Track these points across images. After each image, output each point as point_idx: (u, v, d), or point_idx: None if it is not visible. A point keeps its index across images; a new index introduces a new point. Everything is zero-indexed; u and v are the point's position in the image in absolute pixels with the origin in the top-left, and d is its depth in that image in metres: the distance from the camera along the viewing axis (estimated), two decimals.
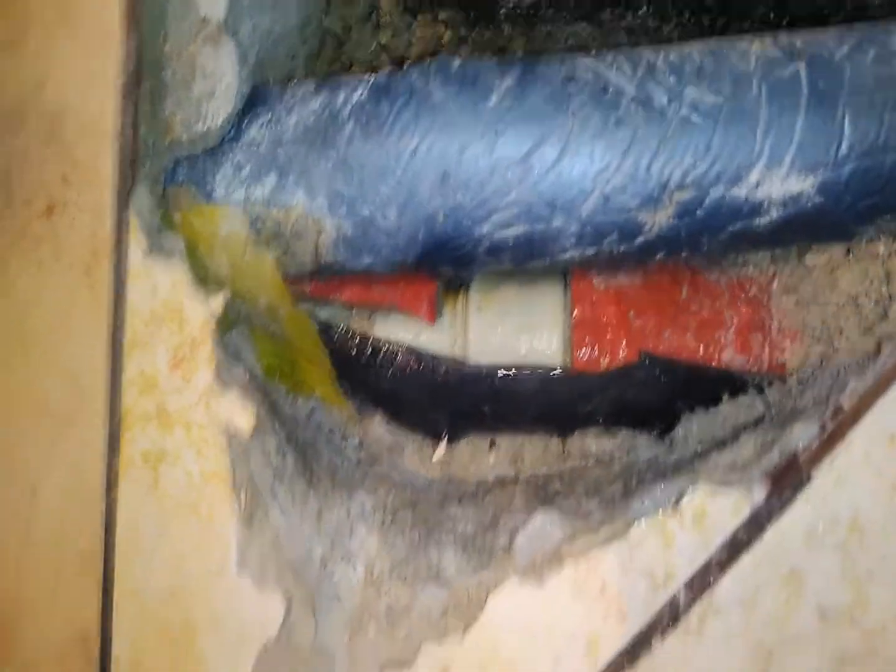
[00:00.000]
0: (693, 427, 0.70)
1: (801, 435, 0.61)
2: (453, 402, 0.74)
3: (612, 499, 0.64)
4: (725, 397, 0.70)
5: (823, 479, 0.58)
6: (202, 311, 0.62)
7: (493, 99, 0.64)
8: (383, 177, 0.64)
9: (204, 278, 0.66)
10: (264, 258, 0.65)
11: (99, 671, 0.63)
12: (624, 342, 0.71)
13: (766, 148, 0.62)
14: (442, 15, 0.85)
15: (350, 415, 0.75)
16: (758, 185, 0.63)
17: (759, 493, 0.59)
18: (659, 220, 0.64)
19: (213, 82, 0.65)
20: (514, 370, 0.73)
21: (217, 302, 0.62)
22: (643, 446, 0.71)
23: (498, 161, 0.64)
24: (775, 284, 0.73)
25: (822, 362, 0.68)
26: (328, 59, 0.82)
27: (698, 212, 0.64)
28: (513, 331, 0.74)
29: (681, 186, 0.63)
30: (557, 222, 0.65)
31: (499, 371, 0.73)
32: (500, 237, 0.66)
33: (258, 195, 0.66)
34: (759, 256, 0.74)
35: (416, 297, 0.74)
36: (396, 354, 0.74)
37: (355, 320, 0.76)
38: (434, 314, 0.74)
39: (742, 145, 0.62)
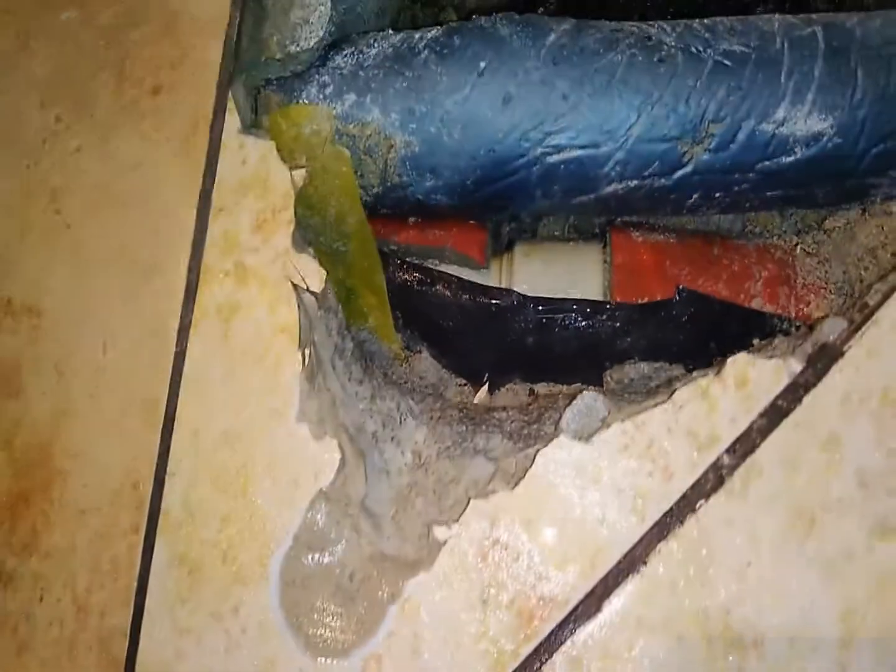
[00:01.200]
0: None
1: (831, 330, 0.65)
2: (499, 334, 0.78)
3: (658, 386, 0.68)
4: (756, 342, 0.75)
5: (855, 352, 0.62)
6: (286, 181, 0.67)
7: (552, 37, 0.73)
8: (451, 95, 0.72)
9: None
10: (342, 155, 0.71)
11: (149, 518, 0.63)
12: (661, 289, 0.76)
13: (789, 88, 0.71)
14: None
15: (398, 351, 0.79)
16: (784, 121, 0.71)
17: (796, 365, 0.63)
18: (697, 152, 0.72)
19: (308, 11, 0.74)
20: (560, 302, 0.76)
21: (299, 175, 0.68)
22: (679, 377, 0.74)
23: (555, 88, 0.72)
24: (798, 250, 0.79)
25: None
26: None
27: (731, 145, 0.72)
28: (555, 277, 0.79)
29: (715, 119, 0.71)
30: (605, 148, 0.72)
31: (544, 302, 0.77)
32: (553, 160, 0.73)
33: (338, 111, 0.73)
34: (782, 228, 0.81)
35: (468, 239, 0.79)
36: (450, 285, 0.78)
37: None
38: (484, 257, 0.79)
39: (768, 85, 0.71)
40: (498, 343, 0.79)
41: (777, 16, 0.75)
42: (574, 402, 0.66)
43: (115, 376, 0.65)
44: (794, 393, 0.62)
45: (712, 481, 0.62)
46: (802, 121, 0.71)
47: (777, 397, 0.63)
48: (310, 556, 0.62)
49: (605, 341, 0.77)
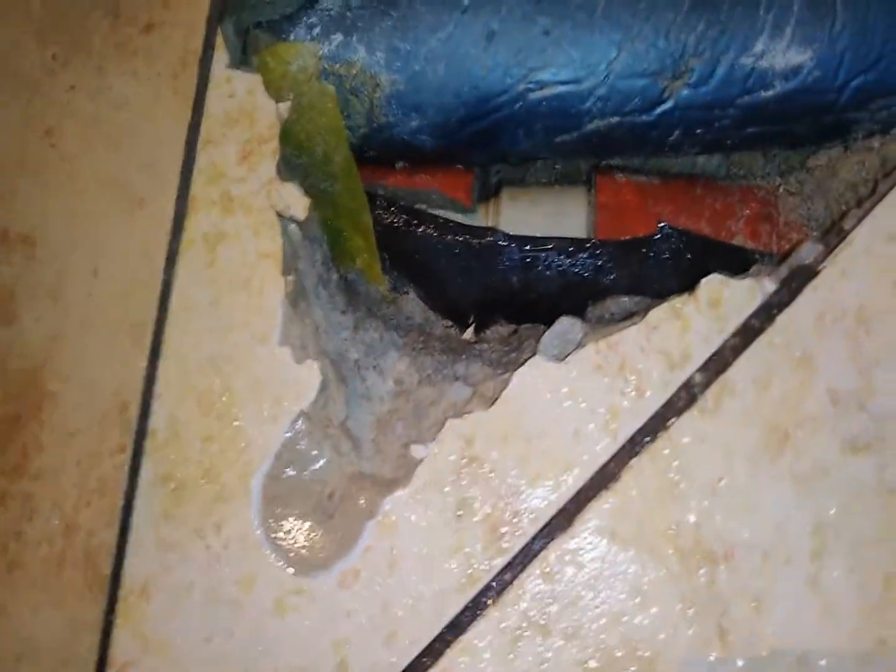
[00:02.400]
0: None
1: (807, 254, 0.64)
2: (484, 274, 0.77)
3: (635, 312, 0.67)
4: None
5: (829, 272, 0.61)
6: (272, 113, 0.67)
7: None
8: (435, 32, 0.72)
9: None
10: (327, 91, 0.71)
11: (135, 439, 0.63)
12: (643, 224, 0.75)
13: (768, 21, 0.70)
14: None
15: (385, 292, 0.78)
16: (763, 54, 0.70)
17: (770, 284, 0.62)
18: (676, 87, 0.71)
19: None
20: (543, 240, 0.76)
21: (285, 107, 0.67)
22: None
23: (537, 24, 0.71)
24: (781, 189, 0.78)
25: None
26: None
27: (711, 80, 0.71)
28: (541, 215, 0.78)
29: (695, 54, 0.70)
30: (586, 84, 0.71)
31: (529, 240, 0.76)
32: (535, 97, 0.72)
33: (325, 51, 0.72)
34: (765, 169, 0.80)
35: (455, 182, 0.79)
36: (436, 226, 0.77)
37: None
38: (471, 199, 0.79)
39: (747, 18, 0.70)
40: (483, 283, 0.78)
41: None
42: (553, 327, 0.65)
43: (106, 301, 0.65)
44: (768, 312, 0.61)
45: (684, 399, 0.61)
46: (781, 54, 0.70)
47: (750, 316, 0.61)
48: (290, 475, 0.61)
49: (587, 279, 0.76)
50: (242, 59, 0.72)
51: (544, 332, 0.65)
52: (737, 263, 0.74)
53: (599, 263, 0.75)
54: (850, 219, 0.65)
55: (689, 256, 0.75)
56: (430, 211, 0.80)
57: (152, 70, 0.68)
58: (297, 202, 0.66)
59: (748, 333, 0.61)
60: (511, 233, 0.77)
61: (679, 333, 0.61)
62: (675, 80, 0.71)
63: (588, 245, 0.75)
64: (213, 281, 0.65)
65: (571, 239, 0.76)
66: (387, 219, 0.78)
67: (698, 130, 0.74)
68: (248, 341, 0.63)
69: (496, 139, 0.76)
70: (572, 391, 0.61)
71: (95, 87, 0.69)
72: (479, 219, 0.80)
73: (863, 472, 0.58)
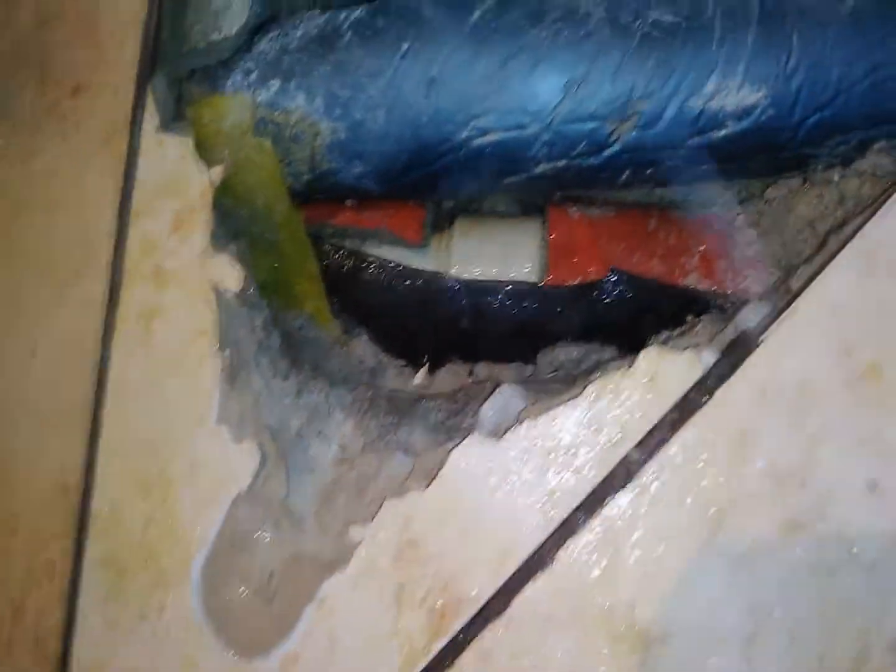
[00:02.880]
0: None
1: (752, 316, 0.62)
2: (434, 318, 0.75)
3: (576, 378, 0.65)
4: (690, 318, 0.71)
5: (771, 344, 0.59)
6: (203, 180, 0.65)
7: (476, 14, 0.68)
8: (374, 80, 0.68)
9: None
10: (264, 146, 0.68)
11: (78, 522, 0.63)
12: (595, 265, 0.73)
13: (720, 59, 0.65)
14: None
15: (337, 335, 0.77)
16: (713, 95, 0.66)
17: (709, 357, 0.60)
18: (624, 130, 0.67)
19: None
20: (492, 284, 0.74)
21: (217, 172, 0.65)
22: (609, 359, 0.71)
23: (478, 69, 0.67)
24: (739, 219, 0.75)
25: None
26: None
27: (659, 122, 0.67)
28: (493, 255, 0.75)
29: (643, 96, 0.66)
30: (531, 129, 0.68)
31: (476, 288, 0.74)
32: (479, 143, 0.69)
33: (263, 98, 0.69)
34: (723, 198, 0.76)
35: (404, 220, 0.76)
36: (384, 270, 0.75)
37: (349, 245, 0.78)
38: (421, 236, 0.76)
39: (698, 56, 0.66)
40: (434, 326, 0.77)
41: None
42: (492, 396, 0.64)
43: (44, 381, 0.64)
44: (707, 386, 0.59)
45: (621, 477, 0.59)
46: (734, 93, 0.66)
47: (689, 390, 0.59)
48: (231, 558, 0.61)
49: (537, 323, 0.74)
50: (176, 114, 0.69)
51: (485, 400, 0.64)
52: (690, 305, 0.72)
53: (549, 309, 0.73)
54: (798, 278, 0.62)
55: (640, 301, 0.72)
56: (379, 252, 0.77)
57: (82, 135, 0.66)
58: (230, 274, 0.64)
59: (687, 408, 0.59)
60: (461, 272, 0.75)
61: (616, 409, 0.60)
62: (623, 123, 0.67)
63: (536, 291, 0.72)
64: (150, 359, 0.63)
65: (519, 283, 0.73)
66: (334, 263, 0.76)
67: (648, 170, 0.71)
68: (185, 422, 0.62)
69: (443, 183, 0.73)
70: (509, 471, 0.60)
71: (25, 152, 0.66)
72: (432, 252, 0.77)
73: (801, 551, 0.57)
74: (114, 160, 0.65)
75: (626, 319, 0.73)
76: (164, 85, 0.67)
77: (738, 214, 0.75)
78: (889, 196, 0.60)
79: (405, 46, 0.68)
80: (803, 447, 0.58)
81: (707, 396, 0.59)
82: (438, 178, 0.72)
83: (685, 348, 0.60)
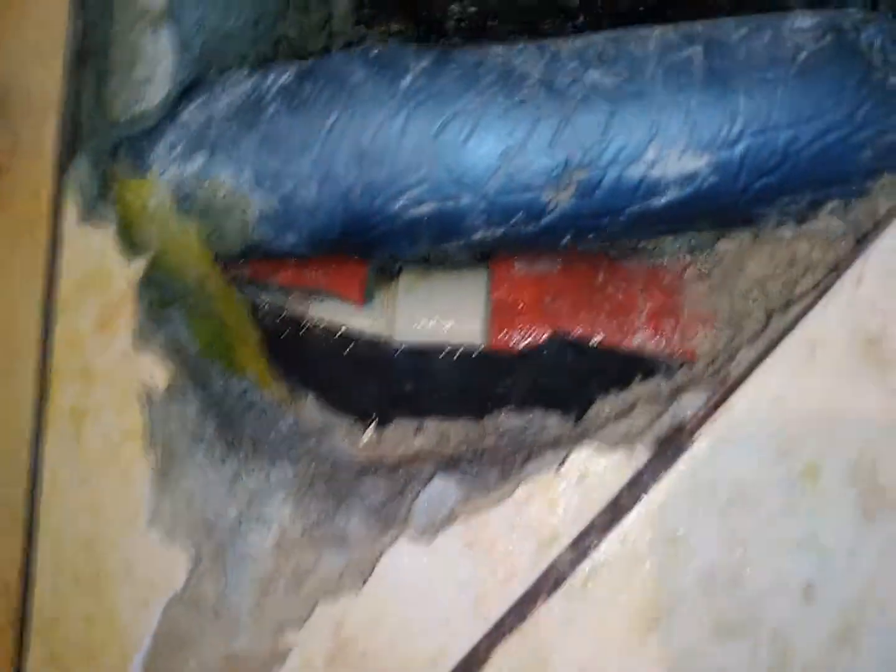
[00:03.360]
0: (605, 409, 0.68)
1: (690, 404, 0.59)
2: (379, 381, 0.74)
3: (513, 464, 0.63)
4: (637, 380, 0.69)
5: (705, 442, 0.56)
6: (126, 275, 0.62)
7: (408, 78, 0.64)
8: (303, 152, 0.65)
9: (137, 251, 0.67)
10: (190, 229, 0.65)
11: (19, 623, 0.62)
12: (539, 324, 0.70)
13: (660, 126, 0.61)
14: (394, 27, 0.86)
15: (282, 396, 0.75)
16: (654, 163, 0.62)
17: (641, 456, 0.57)
18: (561, 199, 0.64)
19: (152, 66, 0.66)
20: (436, 353, 0.71)
21: (139, 266, 0.63)
22: (554, 426, 0.69)
23: (410, 139, 0.64)
24: (689, 272, 0.71)
25: (729, 354, 0.65)
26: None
27: (597, 191, 0.63)
28: (438, 313, 0.73)
29: (580, 165, 0.62)
30: (466, 200, 0.64)
31: (421, 351, 0.71)
32: (413, 214, 0.65)
33: (189, 171, 0.66)
34: (675, 246, 0.73)
35: (346, 279, 0.73)
36: (326, 335, 0.73)
37: (291, 304, 0.75)
38: (363, 296, 0.73)
39: (638, 124, 0.61)
40: (381, 387, 0.74)
41: (657, 31, 0.64)
42: (426, 488, 0.62)
43: None
44: (639, 486, 0.57)
45: (553, 580, 0.58)
46: (675, 160, 0.62)
47: (621, 490, 0.57)
48: (169, 658, 0.61)
49: (483, 387, 0.72)
50: (100, 196, 0.66)
51: (427, 480, 0.62)
52: (634, 369, 0.69)
53: (493, 374, 0.71)
54: (737, 365, 0.59)
55: (584, 365, 0.70)
56: (322, 311, 0.75)
57: (4, 223, 0.63)
58: (157, 372, 0.62)
59: (618, 509, 0.57)
60: (405, 335, 0.72)
61: (547, 510, 0.58)
62: (560, 192, 0.64)
63: (477, 356, 0.70)
64: (81, 459, 0.62)
65: (460, 348, 0.71)
66: (275, 327, 0.73)
67: (590, 235, 0.67)
68: (118, 522, 0.61)
69: (380, 249, 0.70)
70: (441, 572, 0.59)
71: None
72: (377, 308, 0.75)
73: (734, 654, 0.56)
74: (37, 251, 0.62)
75: (570, 384, 0.70)
76: (85, 169, 0.64)
77: (688, 265, 0.72)
78: (829, 287, 0.56)
79: (333, 117, 0.64)
80: (737, 549, 0.56)
81: (639, 496, 0.57)
82: (375, 246, 0.69)
83: (617, 444, 0.58)
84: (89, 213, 0.64)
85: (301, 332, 0.73)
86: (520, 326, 0.70)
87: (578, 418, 0.69)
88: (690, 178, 0.62)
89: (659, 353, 0.68)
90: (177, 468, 0.63)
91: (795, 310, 0.59)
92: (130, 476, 0.61)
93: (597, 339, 0.69)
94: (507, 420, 0.70)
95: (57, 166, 0.63)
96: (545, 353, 0.68)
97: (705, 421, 0.57)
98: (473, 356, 0.70)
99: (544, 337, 0.69)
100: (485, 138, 0.63)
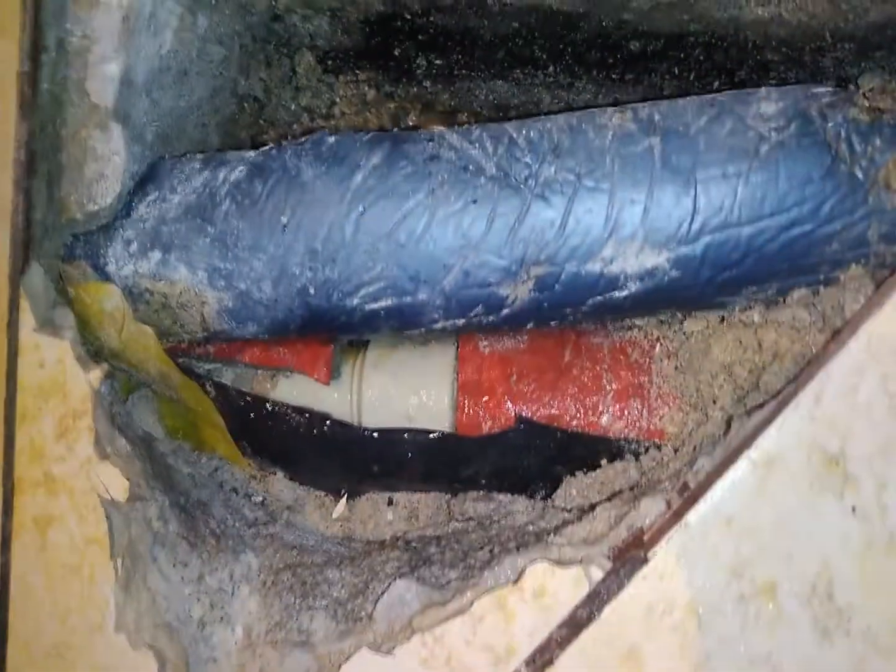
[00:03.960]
0: (572, 491, 0.67)
1: (648, 511, 0.58)
2: (346, 462, 0.72)
3: (473, 567, 0.62)
4: (604, 462, 0.67)
5: (661, 559, 0.54)
6: (83, 384, 0.61)
7: (359, 177, 0.61)
8: (256, 253, 0.63)
9: (97, 350, 0.66)
10: (146, 332, 0.64)
11: None
12: (505, 406, 0.68)
13: (617, 224, 0.59)
14: (362, 75, 0.83)
15: (252, 473, 0.74)
16: (612, 260, 0.59)
17: (597, 572, 0.56)
18: (520, 293, 0.61)
19: (102, 164, 0.64)
20: (403, 435, 0.70)
21: (96, 375, 0.62)
22: (520, 511, 0.68)
23: (363, 237, 0.62)
24: (658, 349, 0.69)
25: (691, 432, 0.64)
26: (247, 123, 0.80)
27: (556, 286, 0.61)
28: (405, 390, 0.71)
29: (537, 262, 0.60)
30: (422, 295, 0.62)
31: (386, 434, 0.70)
32: (370, 309, 0.64)
33: (145, 269, 0.65)
34: (643, 321, 0.70)
35: (312, 359, 0.72)
36: (291, 416, 0.72)
37: (259, 380, 0.74)
38: (329, 376, 0.72)
39: (594, 222, 0.59)
40: (348, 466, 0.73)
41: (615, 118, 0.60)
42: (387, 592, 0.61)
43: None
44: (595, 602, 0.56)
45: None
46: (633, 257, 0.59)
47: (577, 607, 0.56)
48: None
49: (448, 469, 0.71)
50: (58, 298, 0.65)
51: (389, 576, 0.62)
52: (600, 451, 0.68)
53: (458, 457, 0.69)
54: (696, 474, 0.58)
55: (550, 448, 0.68)
56: (289, 389, 0.74)
57: None
58: (116, 482, 0.61)
59: (574, 625, 0.56)
60: (371, 418, 0.71)
61: (504, 625, 0.57)
62: (518, 287, 0.61)
63: (444, 441, 0.68)
64: (47, 566, 0.62)
65: (426, 433, 0.69)
66: (241, 409, 0.72)
67: (552, 322, 0.65)
68: (85, 629, 0.61)
69: (342, 335, 0.69)
70: None
71: None
72: (344, 382, 0.73)
73: None
74: None
75: (537, 466, 0.69)
76: (39, 275, 0.63)
77: (656, 341, 0.69)
78: (785, 404, 0.54)
79: (285, 219, 0.62)
80: (692, 667, 0.55)
81: (595, 614, 0.55)
82: (336, 333, 0.68)
83: (571, 563, 0.57)
84: (46, 321, 0.62)
85: (269, 411, 0.71)
86: (486, 409, 0.68)
87: (544, 499, 0.68)
88: (651, 272, 0.59)
89: (626, 435, 0.66)
90: (140, 572, 0.62)
91: (755, 420, 0.56)
92: (95, 582, 0.61)
93: (563, 421, 0.67)
94: (473, 505, 0.69)
95: (9, 275, 0.61)
96: (510, 436, 0.66)
97: (661, 535, 0.55)
98: (440, 439, 0.68)
99: (510, 420, 0.67)
100: (439, 237, 0.60)
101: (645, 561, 0.55)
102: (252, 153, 0.65)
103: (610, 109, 0.61)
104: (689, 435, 0.64)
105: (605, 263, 0.59)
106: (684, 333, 0.67)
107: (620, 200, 0.58)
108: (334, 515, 0.73)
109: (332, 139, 0.64)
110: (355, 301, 0.63)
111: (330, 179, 0.62)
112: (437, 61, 0.78)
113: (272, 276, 0.63)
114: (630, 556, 0.55)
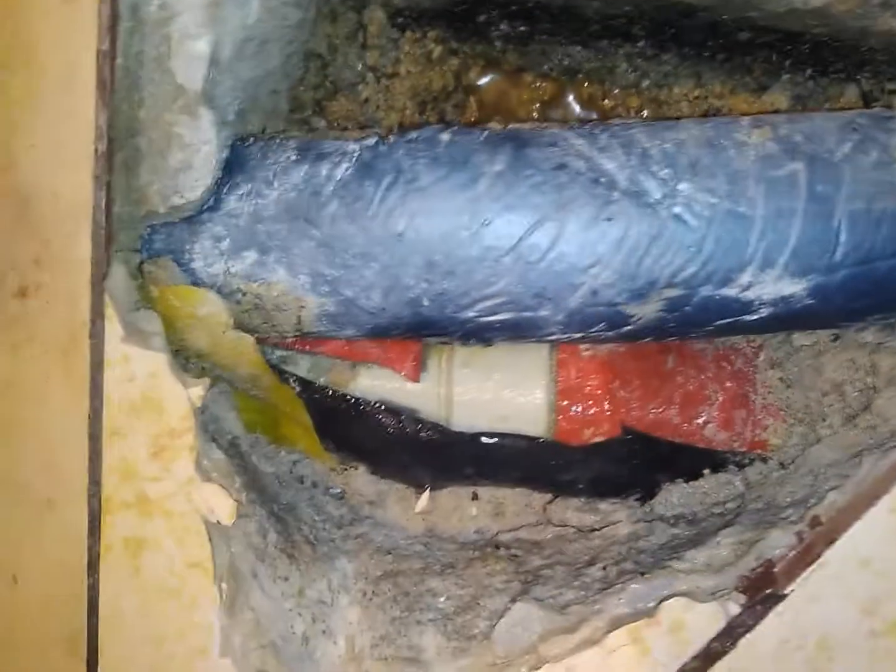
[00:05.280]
0: (673, 499, 0.66)
1: (778, 542, 0.58)
2: (437, 461, 0.69)
3: (590, 587, 0.60)
4: (707, 472, 0.66)
5: (796, 596, 0.55)
6: (182, 401, 0.56)
7: (482, 185, 0.57)
8: (367, 261, 0.58)
9: (178, 349, 0.60)
10: (245, 340, 0.59)
11: None
12: (608, 413, 0.66)
13: (759, 252, 0.56)
14: (431, 32, 0.76)
15: (333, 466, 0.70)
16: (749, 286, 0.57)
17: (734, 607, 0.55)
18: (646, 312, 0.59)
19: (190, 153, 0.57)
20: (496, 438, 0.67)
21: (197, 393, 0.56)
22: (623, 521, 0.66)
23: (486, 250, 0.57)
24: (761, 357, 0.67)
25: (804, 450, 0.63)
26: (311, 85, 0.73)
27: (686, 308, 0.58)
28: (497, 390, 0.68)
29: (669, 284, 0.57)
30: (545, 312, 0.59)
31: (482, 436, 0.67)
32: (484, 322, 0.60)
33: (238, 269, 0.59)
34: None
35: (401, 354, 0.68)
36: (378, 413, 0.68)
37: (336, 371, 0.69)
38: (418, 373, 0.68)
39: (735, 248, 0.56)
40: (436, 465, 0.70)
41: (754, 136, 0.57)
42: (508, 614, 0.60)
43: (31, 610, 0.59)
44: (730, 636, 0.56)
45: None
46: (771, 284, 0.57)
47: (712, 640, 0.56)
48: None
49: (546, 475, 0.68)
50: (138, 301, 0.58)
51: (497, 616, 0.60)
52: (704, 462, 0.66)
53: (557, 464, 0.67)
54: (829, 507, 0.57)
55: (653, 458, 0.66)
56: (375, 384, 0.69)
57: (36, 346, 0.56)
58: (221, 504, 0.57)
59: (707, 658, 0.56)
60: (463, 419, 0.68)
61: (637, 658, 0.57)
62: (646, 307, 0.58)
63: (546, 449, 0.66)
64: (141, 591, 0.58)
65: (527, 439, 0.67)
66: (329, 405, 0.68)
67: (672, 338, 0.62)
68: (185, 654, 0.58)
69: (444, 340, 0.65)
70: None
71: None
72: (431, 376, 0.69)
73: None
74: (76, 375, 0.56)
75: (637, 475, 0.67)
76: (122, 275, 0.57)
77: (759, 349, 0.67)
78: None
79: (401, 227, 0.57)
80: None
81: (729, 647, 0.55)
82: (441, 339, 0.63)
83: (708, 597, 0.56)
84: (132, 328, 0.56)
85: (355, 407, 0.67)
86: (587, 416, 0.65)
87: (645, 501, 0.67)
88: (786, 299, 0.58)
89: (730, 446, 0.65)
90: (243, 592, 0.60)
91: (891, 459, 0.55)
92: (198, 606, 0.58)
93: (666, 430, 0.65)
94: (576, 514, 0.67)
95: (91, 279, 0.55)
96: (615, 445, 0.64)
97: (797, 572, 0.55)
98: (540, 445, 0.66)
99: (614, 428, 0.64)
100: (568, 254, 0.57)
101: (782, 598, 0.54)
102: (354, 145, 0.59)
103: (744, 122, 0.58)
104: (797, 451, 0.63)
105: (741, 289, 0.57)
106: (792, 345, 0.65)
107: (762, 227, 0.56)
108: (417, 510, 0.71)
109: (445, 137, 0.58)
110: (470, 314, 0.59)
111: (451, 186, 0.57)
112: (522, 28, 0.72)
113: (383, 286, 0.58)
114: (766, 591, 0.55)
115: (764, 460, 0.65)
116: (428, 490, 0.72)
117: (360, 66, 0.76)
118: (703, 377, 0.66)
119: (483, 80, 0.80)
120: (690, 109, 0.75)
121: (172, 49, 0.57)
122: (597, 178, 0.57)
